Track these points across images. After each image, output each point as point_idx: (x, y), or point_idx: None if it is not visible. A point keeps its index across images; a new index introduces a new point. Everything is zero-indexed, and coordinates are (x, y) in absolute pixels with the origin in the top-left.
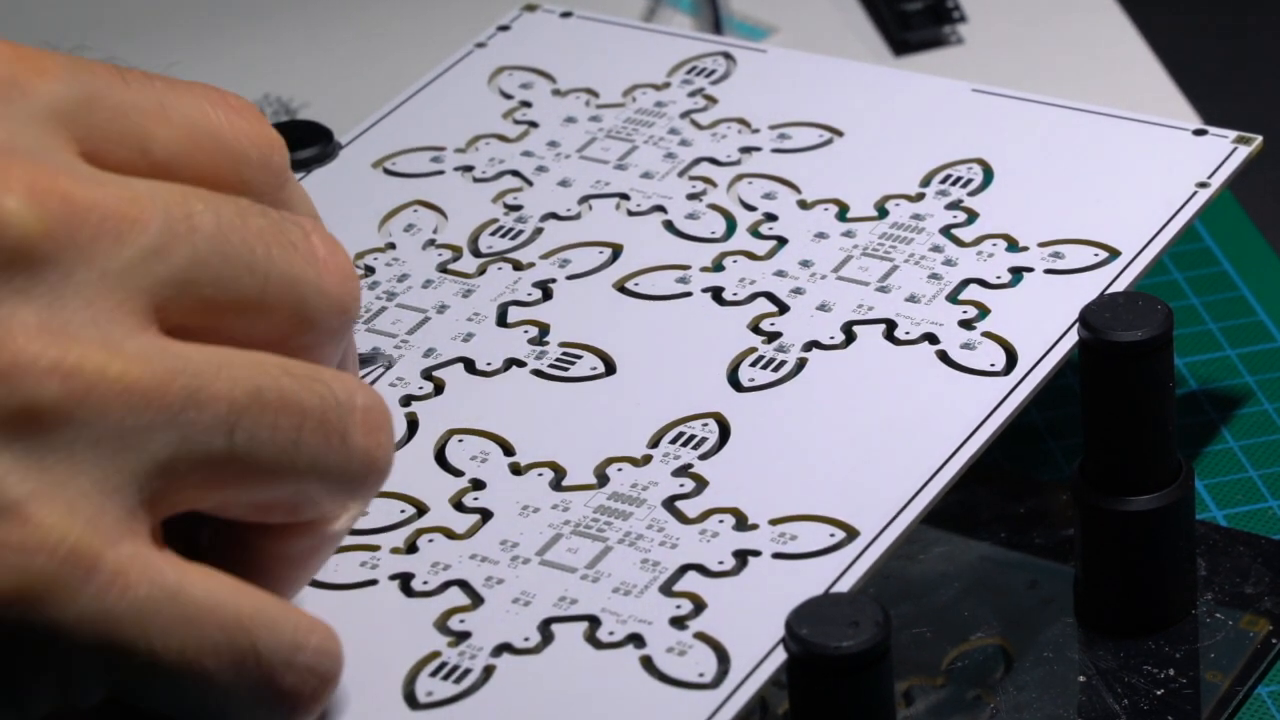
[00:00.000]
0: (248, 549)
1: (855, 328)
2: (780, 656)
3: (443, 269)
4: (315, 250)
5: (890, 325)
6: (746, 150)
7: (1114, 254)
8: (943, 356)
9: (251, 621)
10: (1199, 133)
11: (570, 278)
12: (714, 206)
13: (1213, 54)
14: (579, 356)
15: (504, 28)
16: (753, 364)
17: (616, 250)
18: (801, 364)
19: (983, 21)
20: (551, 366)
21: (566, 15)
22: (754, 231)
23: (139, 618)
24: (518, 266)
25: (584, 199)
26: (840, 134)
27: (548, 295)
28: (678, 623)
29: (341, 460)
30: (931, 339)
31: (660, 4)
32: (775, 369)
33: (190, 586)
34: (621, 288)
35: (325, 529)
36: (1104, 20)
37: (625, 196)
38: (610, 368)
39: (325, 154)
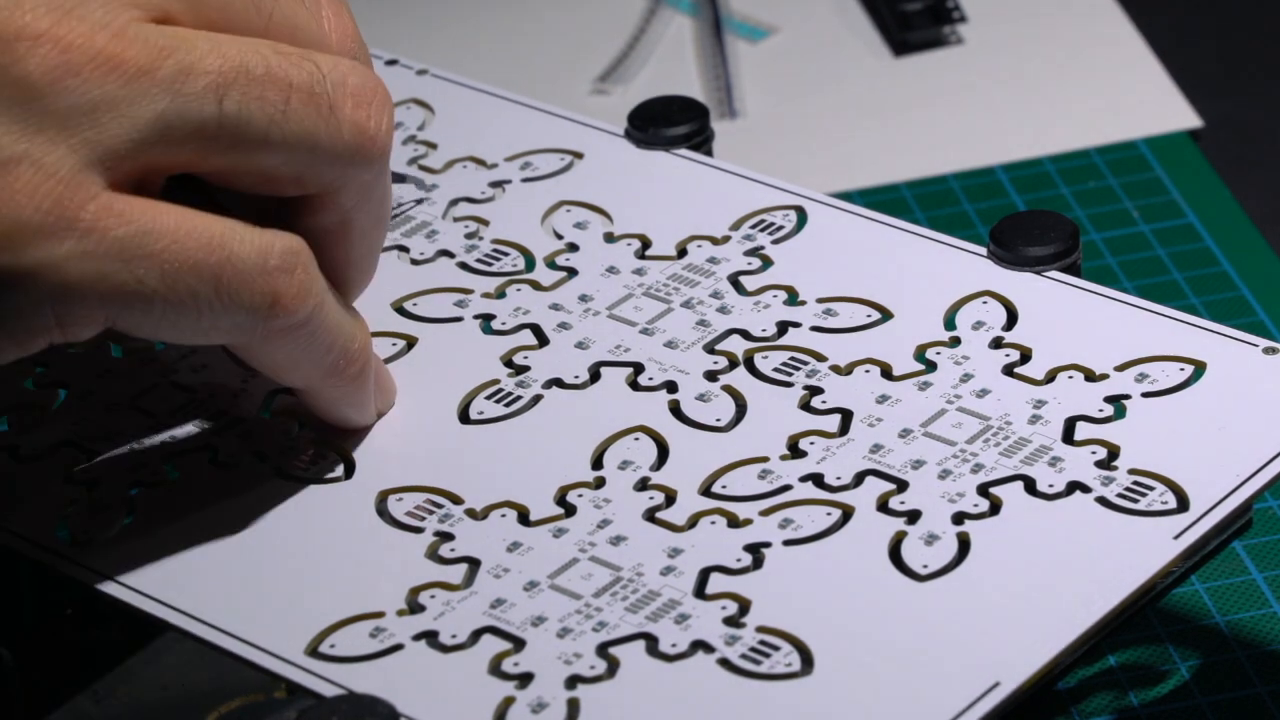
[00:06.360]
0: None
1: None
2: None
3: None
4: (341, 104)
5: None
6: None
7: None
8: None
9: (222, 237)
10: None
11: None
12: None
13: (1213, 54)
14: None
15: None
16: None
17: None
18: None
19: (983, 21)
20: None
21: (422, 73)
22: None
23: (121, 253)
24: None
25: None
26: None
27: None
28: None
29: (331, 130)
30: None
31: (660, 4)
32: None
33: (162, 218)
34: (400, 308)
35: (338, 201)
36: (1104, 20)
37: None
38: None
39: None
